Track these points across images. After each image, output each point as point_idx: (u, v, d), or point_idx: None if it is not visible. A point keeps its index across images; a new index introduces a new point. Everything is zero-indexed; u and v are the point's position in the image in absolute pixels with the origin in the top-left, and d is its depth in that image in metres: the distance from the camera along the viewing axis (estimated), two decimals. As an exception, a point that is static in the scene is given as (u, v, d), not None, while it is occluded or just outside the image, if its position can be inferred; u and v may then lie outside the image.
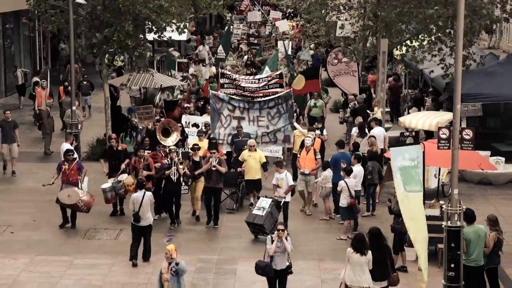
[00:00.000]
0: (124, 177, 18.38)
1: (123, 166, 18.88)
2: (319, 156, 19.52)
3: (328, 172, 18.72)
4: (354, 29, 26.99)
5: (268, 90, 22.09)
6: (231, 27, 47.55)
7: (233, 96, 21.70)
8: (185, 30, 26.46)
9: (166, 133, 19.98)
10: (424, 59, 24.73)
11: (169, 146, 19.22)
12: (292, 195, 18.56)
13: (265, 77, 22.70)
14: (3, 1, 30.54)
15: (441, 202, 16.36)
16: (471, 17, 22.67)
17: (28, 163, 23.43)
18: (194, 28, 45.53)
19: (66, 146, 20.17)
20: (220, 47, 35.00)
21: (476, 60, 23.63)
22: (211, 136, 21.29)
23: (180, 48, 39.51)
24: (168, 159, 18.42)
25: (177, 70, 31.48)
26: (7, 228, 18.09)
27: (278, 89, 22.11)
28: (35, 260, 16.28)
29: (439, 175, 19.40)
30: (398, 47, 26.45)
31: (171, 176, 18.19)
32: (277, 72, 23.21)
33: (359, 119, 22.78)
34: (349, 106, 26.20)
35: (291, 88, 23.29)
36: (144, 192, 16.19)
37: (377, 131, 21.27)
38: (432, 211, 16.01)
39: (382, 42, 23.16)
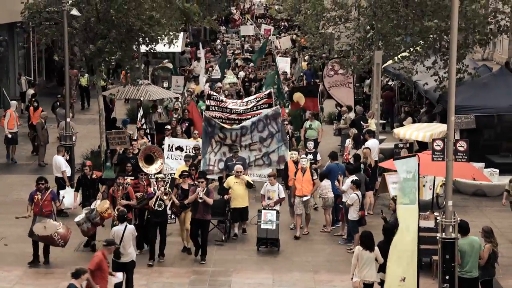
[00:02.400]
0: (96, 204, 16.83)
1: (99, 195, 17.48)
2: (316, 177, 18.72)
3: (327, 182, 18.66)
4: (350, 41, 27.07)
5: (257, 112, 21.25)
6: (227, 42, 47.69)
7: (224, 125, 20.62)
8: (176, 40, 26.46)
9: (149, 160, 18.50)
10: (416, 70, 24.79)
11: (154, 174, 17.90)
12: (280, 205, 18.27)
13: (253, 98, 21.91)
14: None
15: (436, 213, 16.35)
16: (467, 31, 22.76)
17: (22, 175, 23.42)
18: (188, 39, 45.60)
19: (59, 158, 20.14)
20: (217, 67, 34.15)
21: (470, 73, 23.66)
22: (202, 161, 20.22)
23: (175, 60, 39.54)
24: (155, 188, 17.13)
25: (173, 86, 30.88)
26: (0, 240, 18.02)
27: (266, 110, 21.15)
28: (28, 272, 16.21)
29: (433, 186, 19.41)
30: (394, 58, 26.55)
31: (156, 207, 16.68)
32: (266, 92, 22.32)
33: (353, 130, 22.80)
34: (342, 118, 26.23)
35: (278, 106, 22.41)
36: (126, 225, 14.87)
37: (371, 143, 21.32)
38: (427, 222, 16.03)
39: (376, 54, 23.23)
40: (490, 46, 43.60)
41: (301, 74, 37.25)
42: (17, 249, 17.37)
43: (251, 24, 57.66)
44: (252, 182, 18.60)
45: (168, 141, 21.38)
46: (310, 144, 21.03)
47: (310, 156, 20.04)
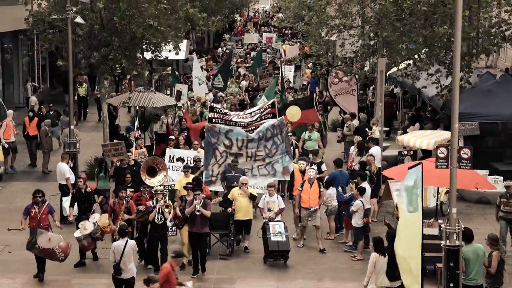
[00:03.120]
0: (96, 218, 16.41)
1: (95, 205, 17.47)
2: (323, 188, 18.27)
3: (332, 190, 18.62)
4: (353, 49, 27.08)
5: (261, 122, 20.71)
6: (232, 52, 47.32)
7: (232, 128, 20.16)
8: (180, 49, 26.38)
9: (152, 172, 18.12)
10: (419, 76, 24.78)
11: (155, 187, 17.37)
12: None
13: (258, 109, 21.37)
14: (1, 21, 30.64)
15: (440, 221, 16.34)
16: (473, 41, 22.74)
17: (26, 182, 23.41)
18: (192, 47, 45.50)
19: (63, 166, 20.15)
20: (219, 76, 33.27)
21: (470, 82, 23.62)
22: (204, 173, 19.77)
23: (178, 68, 39.54)
24: (153, 201, 16.62)
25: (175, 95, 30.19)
26: (4, 248, 18.02)
27: (271, 120, 20.73)
28: (32, 280, 16.19)
29: (437, 194, 19.38)
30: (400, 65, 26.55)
31: (155, 221, 16.28)
32: (269, 102, 21.82)
33: (358, 138, 22.80)
34: (346, 125, 26.21)
35: (283, 116, 22.00)
36: (127, 241, 14.54)
37: (375, 150, 21.31)
38: (431, 230, 15.99)
39: (380, 61, 23.23)
40: (493, 53, 43.59)
41: (304, 83, 36.94)
42: (21, 257, 17.31)
43: (256, 32, 57.65)
44: (255, 195, 18.03)
45: (169, 152, 21.05)
46: (310, 158, 20.41)
47: (314, 167, 19.27)
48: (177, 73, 36.79)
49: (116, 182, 19.15)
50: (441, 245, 13.53)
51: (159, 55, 25.09)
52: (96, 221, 16.23)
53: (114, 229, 16.11)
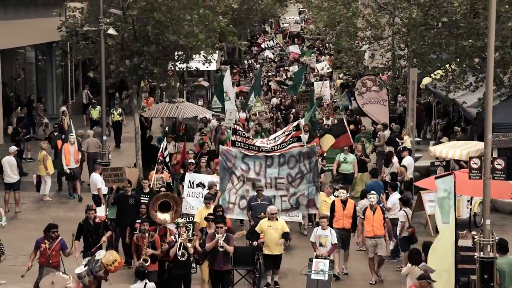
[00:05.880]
0: (101, 255, 14.39)
1: (104, 239, 15.76)
2: (387, 214, 17.04)
3: (367, 201, 18.49)
4: (383, 61, 26.99)
5: (286, 148, 18.96)
6: (261, 68, 46.68)
7: (248, 153, 18.68)
8: (212, 60, 26.26)
9: (165, 208, 15.92)
10: (458, 88, 24.59)
11: (177, 221, 15.55)
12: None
13: (281, 133, 19.67)
14: (36, 33, 31.12)
15: (473, 232, 16.15)
16: (504, 50, 22.53)
17: (62, 192, 23.52)
18: (223, 58, 45.48)
19: (96, 176, 20.26)
20: (252, 96, 31.54)
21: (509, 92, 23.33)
22: (220, 199, 18.16)
23: (210, 78, 39.61)
24: (175, 234, 15.08)
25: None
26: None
27: (295, 144, 19.14)
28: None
29: (470, 205, 19.20)
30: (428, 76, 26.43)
31: (178, 257, 14.73)
32: (294, 124, 20.17)
33: (389, 148, 22.71)
34: (378, 135, 26.08)
35: (315, 143, 20.76)
36: (146, 283, 13.22)
37: (408, 160, 21.19)
38: (464, 241, 15.77)
39: (411, 71, 23.12)
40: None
41: (346, 104, 33.47)
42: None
43: (276, 44, 56.90)
44: (289, 232, 16.73)
45: (188, 176, 19.59)
46: (338, 185, 19.04)
47: (344, 191, 17.84)
48: (207, 84, 36.85)
49: (118, 211, 17.68)
50: (475, 256, 13.37)
51: (190, 66, 25.15)
52: (100, 258, 14.27)
53: (120, 267, 14.50)
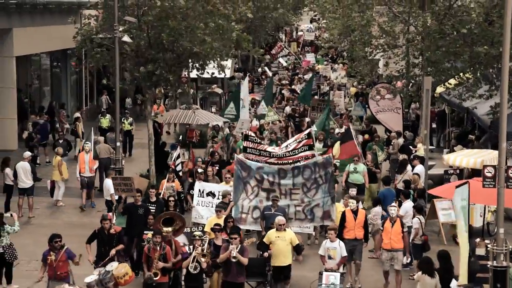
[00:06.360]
0: (113, 266, 14.35)
1: (113, 251, 15.34)
2: (406, 228, 16.64)
3: (379, 208, 18.44)
4: (398, 68, 26.94)
5: (298, 155, 18.48)
6: (275, 72, 46.66)
7: (264, 165, 18.20)
8: (225, 69, 26.21)
9: (168, 222, 15.61)
10: (471, 97, 24.51)
11: (193, 232, 15.63)
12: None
13: (293, 141, 19.10)
14: (52, 40, 31.33)
15: (487, 241, 16.09)
16: None
17: (75, 198, 23.62)
18: (237, 65, 45.54)
19: (109, 182, 20.23)
20: (263, 103, 31.57)
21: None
22: (233, 209, 17.85)
23: (223, 86, 39.69)
24: (189, 247, 14.99)
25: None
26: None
27: (307, 152, 18.55)
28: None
29: (484, 214, 19.12)
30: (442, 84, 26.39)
31: (190, 269, 14.53)
32: (305, 132, 19.71)
33: (402, 156, 22.66)
34: (392, 143, 26.03)
35: (331, 153, 20.47)
36: None
37: (420, 168, 21.15)
38: (478, 250, 15.76)
39: (425, 79, 23.11)
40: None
41: (361, 114, 33.36)
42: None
43: (289, 53, 56.91)
44: (301, 245, 16.56)
45: (198, 185, 19.41)
46: (353, 191, 18.42)
47: (353, 201, 17.46)
48: (221, 91, 36.92)
49: (128, 221, 17.35)
50: (488, 265, 13.32)
51: (205, 72, 25.24)
52: (112, 270, 14.23)
53: (131, 281, 14.47)
